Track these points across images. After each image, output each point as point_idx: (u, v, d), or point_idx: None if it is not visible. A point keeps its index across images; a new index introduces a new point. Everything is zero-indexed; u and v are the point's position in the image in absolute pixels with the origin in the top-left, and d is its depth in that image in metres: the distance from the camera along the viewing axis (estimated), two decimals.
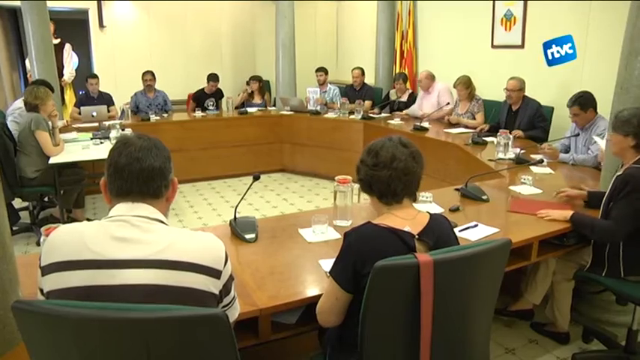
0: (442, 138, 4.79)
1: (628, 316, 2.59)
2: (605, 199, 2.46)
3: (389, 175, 1.55)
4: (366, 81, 6.67)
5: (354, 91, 6.59)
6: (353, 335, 1.47)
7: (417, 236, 1.51)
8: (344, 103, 6.26)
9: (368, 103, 6.40)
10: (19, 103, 4.64)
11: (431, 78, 5.84)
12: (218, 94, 6.84)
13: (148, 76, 6.24)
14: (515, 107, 4.67)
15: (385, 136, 1.64)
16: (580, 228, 2.46)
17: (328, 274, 1.59)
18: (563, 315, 2.73)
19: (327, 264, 1.96)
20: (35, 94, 4.22)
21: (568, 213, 2.49)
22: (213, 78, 6.72)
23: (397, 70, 6.88)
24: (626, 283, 2.40)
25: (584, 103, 3.61)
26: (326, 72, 6.68)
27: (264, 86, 7.16)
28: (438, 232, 1.56)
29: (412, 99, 6.18)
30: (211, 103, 6.53)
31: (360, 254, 1.48)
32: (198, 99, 6.68)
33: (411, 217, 1.57)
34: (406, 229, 1.52)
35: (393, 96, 6.41)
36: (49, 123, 4.26)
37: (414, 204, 1.63)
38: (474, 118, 5.21)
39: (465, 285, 1.44)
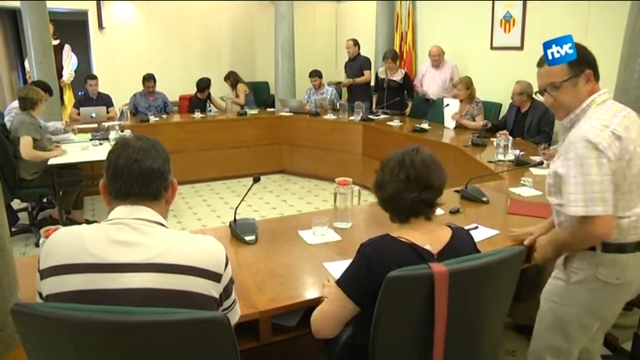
0: (441, 140, 4.79)
1: (629, 318, 2.58)
2: None
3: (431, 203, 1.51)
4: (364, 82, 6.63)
5: (349, 64, 6.59)
6: (367, 341, 1.39)
7: (436, 256, 1.43)
8: (343, 104, 6.25)
9: (367, 73, 6.38)
10: (16, 103, 4.62)
11: (443, 53, 5.89)
12: (210, 99, 6.85)
13: (151, 83, 6.24)
14: (524, 109, 4.65)
15: (404, 146, 1.61)
16: None
17: (336, 284, 1.48)
18: None
19: (332, 266, 1.95)
20: (28, 90, 4.24)
21: None
22: (203, 85, 6.61)
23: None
24: None
25: None
26: (320, 76, 6.64)
27: (235, 80, 6.98)
28: (461, 251, 1.47)
29: (408, 80, 6.16)
30: (209, 107, 6.63)
31: (376, 269, 1.38)
32: (195, 106, 6.58)
33: (429, 231, 1.50)
34: (427, 247, 1.45)
35: (381, 74, 6.25)
36: (42, 126, 4.25)
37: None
38: (474, 120, 5.21)
39: (479, 295, 1.41)
